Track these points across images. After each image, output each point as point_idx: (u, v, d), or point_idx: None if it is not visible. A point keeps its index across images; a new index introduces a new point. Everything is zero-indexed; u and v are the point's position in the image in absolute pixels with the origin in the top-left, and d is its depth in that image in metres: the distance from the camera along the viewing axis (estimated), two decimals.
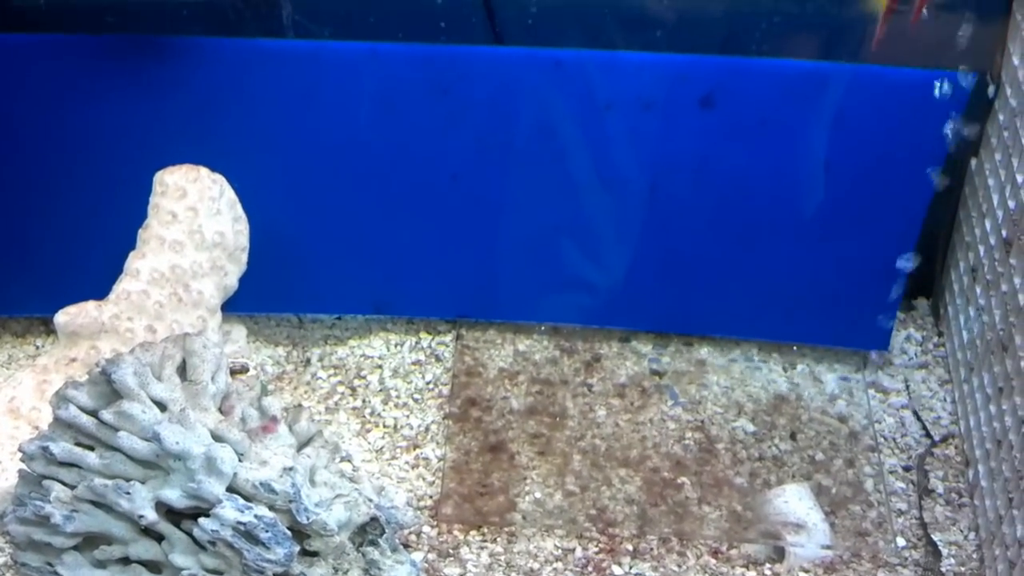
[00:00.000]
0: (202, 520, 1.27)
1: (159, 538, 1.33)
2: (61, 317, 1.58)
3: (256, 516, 1.27)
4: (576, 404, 1.68)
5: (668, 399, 1.70)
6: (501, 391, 1.69)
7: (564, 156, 1.68)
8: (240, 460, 1.32)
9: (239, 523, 1.26)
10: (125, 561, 1.35)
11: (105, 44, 1.64)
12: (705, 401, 1.69)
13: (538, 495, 1.57)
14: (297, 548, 1.30)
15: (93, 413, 1.31)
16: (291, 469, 1.33)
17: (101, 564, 1.35)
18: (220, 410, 1.36)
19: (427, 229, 1.73)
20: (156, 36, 1.66)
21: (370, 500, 1.40)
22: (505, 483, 1.57)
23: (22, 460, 1.35)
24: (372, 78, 1.66)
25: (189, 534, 1.31)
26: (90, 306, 1.58)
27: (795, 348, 1.78)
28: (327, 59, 1.66)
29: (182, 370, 1.35)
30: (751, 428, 1.67)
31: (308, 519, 1.31)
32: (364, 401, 1.69)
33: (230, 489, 1.29)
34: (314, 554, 1.35)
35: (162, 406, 1.31)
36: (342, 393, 1.71)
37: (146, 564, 1.34)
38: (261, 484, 1.30)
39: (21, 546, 1.37)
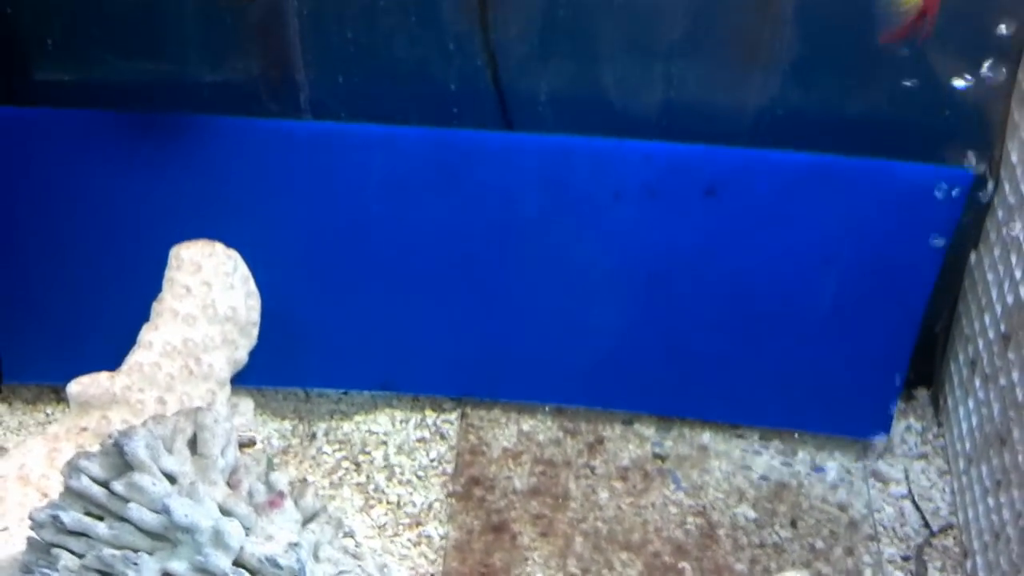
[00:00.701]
0: None
1: None
2: (74, 387, 1.59)
3: None
4: (579, 486, 1.67)
5: (670, 483, 1.70)
6: (504, 471, 1.70)
7: (571, 241, 1.70)
8: (247, 534, 1.33)
9: None
10: None
11: (126, 120, 1.67)
12: (707, 486, 1.69)
13: None
14: None
15: (104, 484, 1.32)
16: (296, 545, 1.34)
17: None
18: (228, 484, 1.37)
19: (435, 309, 1.74)
20: (175, 114, 1.70)
21: None
22: (507, 564, 1.56)
23: (31, 528, 1.35)
24: (385, 160, 1.68)
25: None
26: (103, 377, 1.59)
27: (796, 435, 1.78)
28: (341, 140, 1.68)
29: (192, 443, 1.36)
30: (752, 514, 1.67)
31: None
32: (368, 477, 1.69)
33: (236, 563, 1.30)
34: None
35: (172, 478, 1.31)
36: (347, 468, 1.71)
37: None
38: (267, 559, 1.30)
39: None
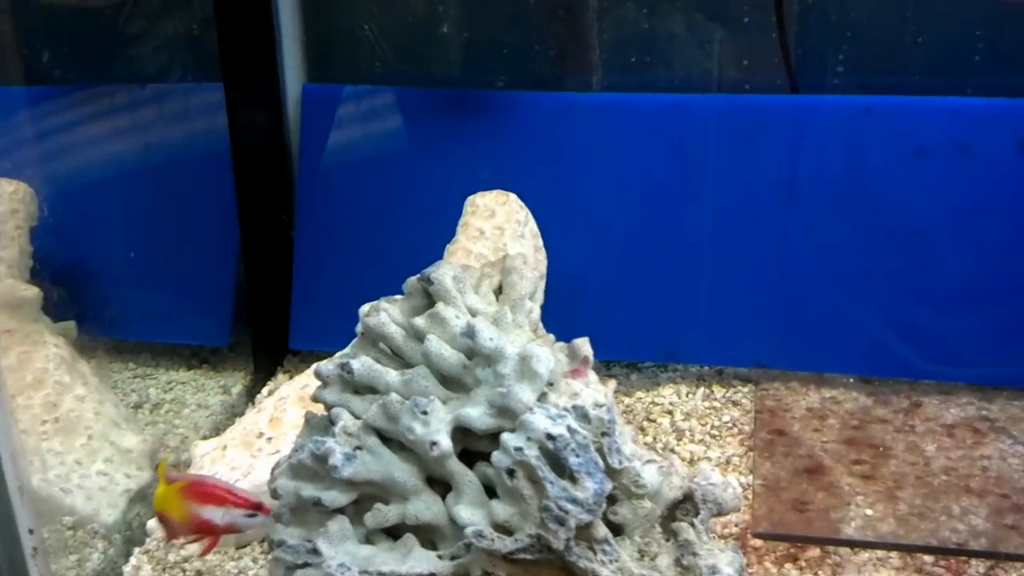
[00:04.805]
0: (505, 436, 0.97)
1: (443, 494, 1.05)
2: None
3: (569, 429, 0.97)
4: (899, 440, 1.31)
5: (1006, 438, 1.31)
6: (811, 427, 1.35)
7: (873, 203, 1.42)
8: (549, 387, 1.04)
9: (549, 437, 0.96)
10: (395, 535, 1.06)
11: (435, 97, 1.54)
12: None
13: (868, 514, 1.19)
14: (609, 486, 0.99)
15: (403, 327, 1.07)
16: (604, 406, 1.04)
17: (368, 540, 1.05)
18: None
19: (724, 276, 1.47)
20: (479, 91, 1.56)
21: (683, 476, 1.09)
22: (826, 506, 1.20)
23: (313, 397, 1.10)
24: (674, 128, 1.47)
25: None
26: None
27: None
28: (633, 111, 1.49)
29: (498, 293, 1.11)
30: None
31: (620, 463, 1.00)
32: (655, 438, 1.38)
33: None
34: (617, 530, 1.04)
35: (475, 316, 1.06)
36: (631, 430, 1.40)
37: (420, 534, 1.04)
38: (574, 408, 1.01)
39: (283, 519, 1.07)
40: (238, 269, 1.56)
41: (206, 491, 1.07)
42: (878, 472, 1.25)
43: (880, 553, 1.13)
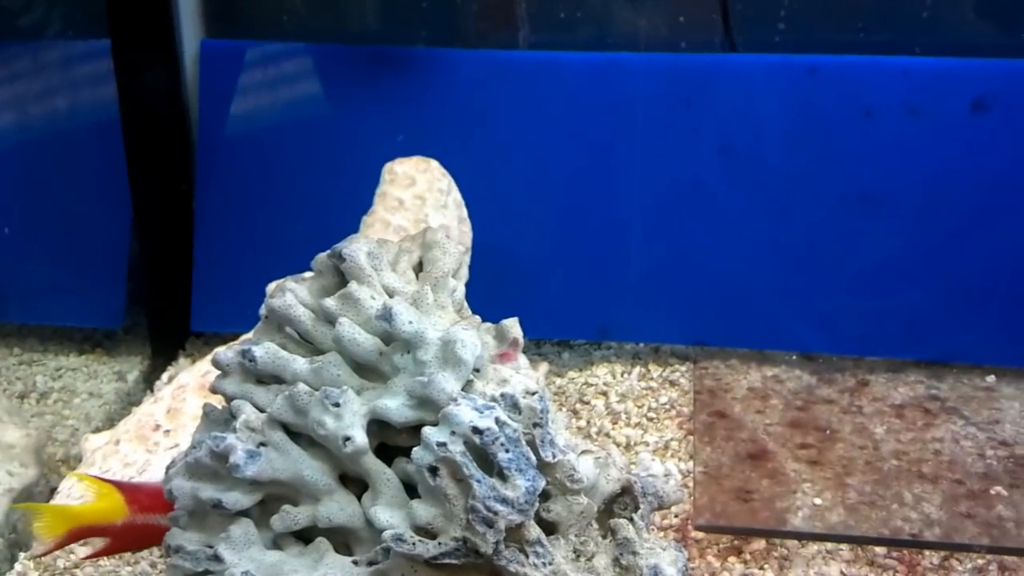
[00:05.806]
0: (427, 430, 0.88)
1: (358, 494, 0.95)
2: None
3: (497, 421, 0.88)
4: (846, 421, 1.26)
5: (957, 419, 1.26)
6: (753, 408, 1.29)
7: (818, 168, 1.36)
8: (476, 373, 0.95)
9: (475, 430, 0.87)
10: (305, 540, 0.96)
11: (348, 54, 1.45)
12: (1003, 422, 1.25)
13: (816, 503, 1.13)
14: (542, 483, 0.90)
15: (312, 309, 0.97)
16: (536, 394, 0.96)
17: (276, 546, 0.96)
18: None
19: (661, 247, 1.40)
20: (397, 48, 1.46)
21: (621, 468, 1.01)
22: (771, 495, 1.14)
23: (211, 388, 1.00)
24: (608, 89, 1.40)
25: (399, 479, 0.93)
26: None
27: None
28: (565, 70, 1.41)
29: (418, 269, 1.02)
30: None
31: (554, 456, 0.91)
32: (589, 422, 1.30)
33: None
34: (550, 529, 0.96)
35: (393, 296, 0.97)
36: (565, 416, 1.33)
37: (333, 537, 0.95)
38: (503, 396, 0.93)
39: (180, 522, 0.98)
40: (132, 244, 1.46)
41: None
42: (825, 457, 1.19)
43: (829, 545, 1.08)
